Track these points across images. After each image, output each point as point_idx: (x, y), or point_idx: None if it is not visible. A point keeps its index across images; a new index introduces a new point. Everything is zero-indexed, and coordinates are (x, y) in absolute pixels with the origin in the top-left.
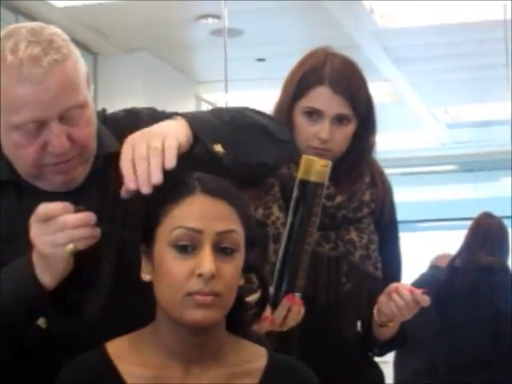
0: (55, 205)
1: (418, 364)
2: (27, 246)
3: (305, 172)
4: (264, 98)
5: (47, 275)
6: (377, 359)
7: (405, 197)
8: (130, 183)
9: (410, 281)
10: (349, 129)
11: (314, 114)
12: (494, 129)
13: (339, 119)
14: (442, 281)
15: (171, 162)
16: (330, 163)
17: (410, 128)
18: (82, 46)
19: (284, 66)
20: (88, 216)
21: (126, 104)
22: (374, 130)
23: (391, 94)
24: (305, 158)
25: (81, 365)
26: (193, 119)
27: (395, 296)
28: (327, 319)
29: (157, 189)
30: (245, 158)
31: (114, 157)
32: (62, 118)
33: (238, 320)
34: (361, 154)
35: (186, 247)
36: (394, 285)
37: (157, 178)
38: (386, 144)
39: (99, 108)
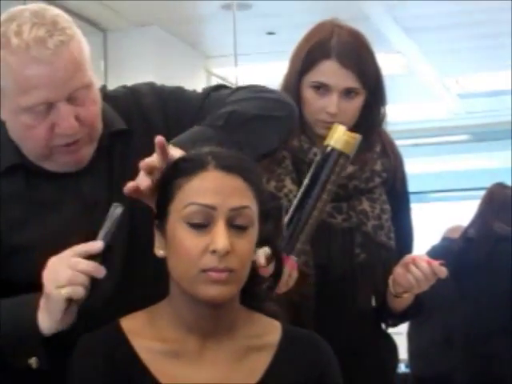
0: (89, 245)
1: (433, 334)
2: (37, 228)
3: (332, 139)
4: (274, 72)
5: (46, 320)
6: (390, 330)
7: (417, 168)
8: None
9: (421, 252)
10: (357, 101)
11: (321, 87)
12: (506, 98)
13: (347, 92)
14: (456, 251)
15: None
16: (359, 137)
17: (421, 99)
18: (91, 23)
19: (294, 38)
20: (98, 268)
21: (136, 79)
22: (383, 101)
23: (402, 64)
24: (336, 126)
25: (96, 339)
26: (184, 144)
27: (413, 267)
28: (342, 290)
29: (170, 164)
30: (253, 152)
31: (119, 134)
32: (69, 99)
33: (253, 293)
34: (371, 124)
35: (200, 224)
36: (410, 256)
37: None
38: (398, 115)
39: (109, 84)
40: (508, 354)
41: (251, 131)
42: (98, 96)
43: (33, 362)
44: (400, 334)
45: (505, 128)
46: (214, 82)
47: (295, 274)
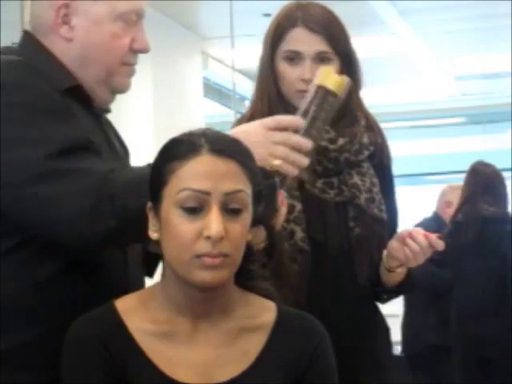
0: (291, 117)
1: (427, 314)
2: None
3: (319, 79)
4: None
5: None
6: (387, 312)
7: (413, 149)
8: None
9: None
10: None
11: (294, 57)
12: (501, 80)
13: (320, 58)
14: (445, 236)
15: None
16: (347, 79)
17: (417, 81)
18: None
19: None
20: (307, 144)
21: None
22: (358, 70)
23: (398, 46)
24: (323, 68)
25: (90, 321)
26: None
27: (409, 241)
28: (340, 266)
29: (162, 148)
30: None
31: None
32: None
33: (246, 273)
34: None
35: (194, 209)
36: (406, 230)
37: None
38: (394, 97)
39: None
40: (499, 335)
41: None
42: None
43: None
44: (396, 316)
45: (500, 110)
46: (211, 64)
47: (284, 210)
